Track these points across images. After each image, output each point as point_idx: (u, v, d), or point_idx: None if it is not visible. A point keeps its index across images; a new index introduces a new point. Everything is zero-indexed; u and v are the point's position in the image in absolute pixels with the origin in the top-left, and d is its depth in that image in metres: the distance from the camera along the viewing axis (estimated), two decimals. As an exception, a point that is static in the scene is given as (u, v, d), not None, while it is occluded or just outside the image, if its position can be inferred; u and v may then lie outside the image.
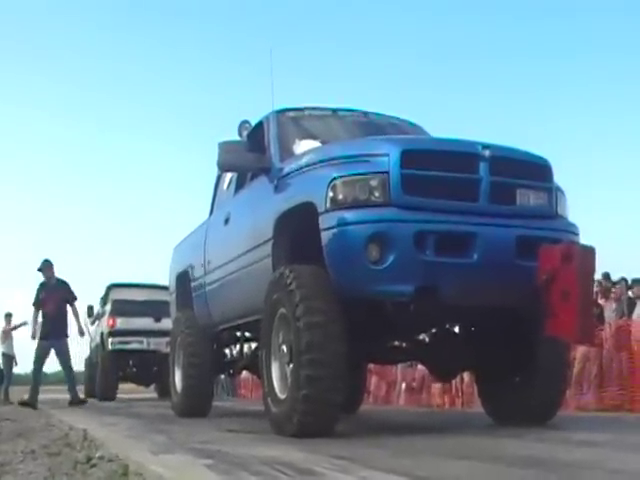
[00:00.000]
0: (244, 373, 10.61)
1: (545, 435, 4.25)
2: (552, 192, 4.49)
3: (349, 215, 4.05)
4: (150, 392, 18.80)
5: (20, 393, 16.19)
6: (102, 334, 15.15)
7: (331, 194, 4.12)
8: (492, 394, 5.16)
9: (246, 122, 5.91)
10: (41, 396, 10.88)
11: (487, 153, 4.22)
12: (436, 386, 10.79)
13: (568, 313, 3.96)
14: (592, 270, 4.09)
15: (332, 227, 4.10)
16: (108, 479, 2.81)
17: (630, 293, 9.86)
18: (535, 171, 4.47)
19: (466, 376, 9.86)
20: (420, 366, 10.77)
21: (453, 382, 10.31)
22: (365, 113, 5.82)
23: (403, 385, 11.50)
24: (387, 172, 4.07)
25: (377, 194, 4.06)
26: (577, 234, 4.53)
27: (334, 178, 4.14)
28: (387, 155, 4.12)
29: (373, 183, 4.07)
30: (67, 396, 11.03)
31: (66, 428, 5.56)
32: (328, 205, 4.13)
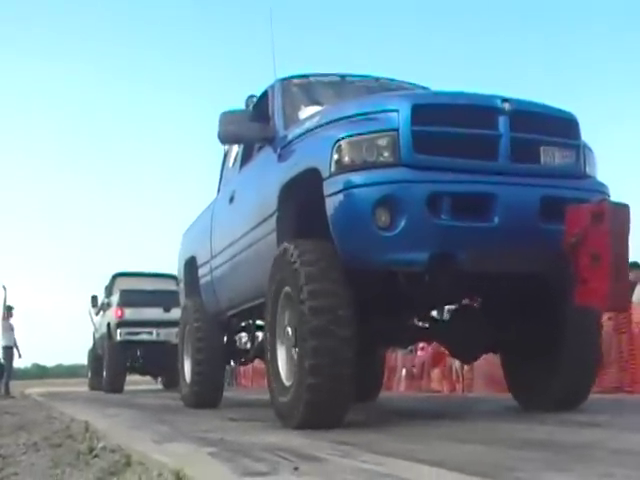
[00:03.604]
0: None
1: (547, 417, 4.15)
2: (579, 150, 4.10)
3: (355, 177, 3.69)
4: (157, 384, 18.66)
5: (19, 387, 16.05)
6: (109, 325, 14.77)
7: (336, 156, 3.77)
8: (519, 377, 4.78)
9: (253, 96, 5.60)
10: (41, 389, 10.84)
11: (507, 107, 3.84)
12: (435, 372, 10.73)
13: (599, 279, 3.57)
14: (626, 230, 3.67)
15: (337, 192, 3.74)
16: (111, 469, 2.79)
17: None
18: (560, 127, 4.08)
19: None
20: (420, 352, 10.87)
21: (453, 368, 10.29)
22: (376, 78, 5.45)
23: (403, 371, 11.36)
24: (396, 129, 3.70)
25: (386, 154, 3.69)
26: (608, 195, 4.13)
27: (339, 139, 3.78)
28: (396, 111, 3.75)
29: (381, 142, 3.71)
30: (65, 389, 10.89)
31: (67, 420, 5.54)
32: (333, 169, 3.77)
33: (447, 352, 10.15)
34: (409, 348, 10.63)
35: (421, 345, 10.48)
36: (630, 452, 2.64)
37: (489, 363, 7.44)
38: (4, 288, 14.79)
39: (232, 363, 8.10)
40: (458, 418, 4.80)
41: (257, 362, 8.58)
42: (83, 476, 2.76)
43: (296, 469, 2.38)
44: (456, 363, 10.26)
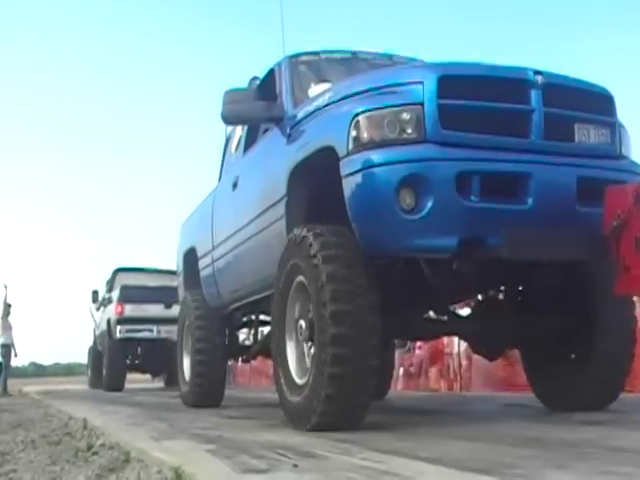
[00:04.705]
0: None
1: (547, 415, 4.19)
2: (615, 128, 3.80)
3: (376, 156, 3.37)
4: (159, 382, 18.40)
5: (17, 385, 15.80)
6: (109, 321, 14.49)
7: (354, 133, 3.44)
8: (544, 374, 4.45)
9: (256, 78, 5.32)
10: (39, 387, 10.77)
11: (540, 80, 3.54)
12: (433, 370, 10.59)
13: None
14: None
15: (355, 172, 3.42)
16: (110, 466, 2.77)
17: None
18: (596, 103, 3.78)
19: (464, 360, 9.76)
20: (418, 350, 10.64)
21: (451, 366, 10.16)
22: (390, 55, 5.12)
23: (401, 370, 11.13)
24: (421, 103, 3.38)
25: (410, 130, 3.37)
26: None
27: (357, 114, 3.46)
28: (421, 83, 3.43)
29: (405, 117, 3.38)
30: (63, 387, 10.71)
31: (65, 418, 5.49)
32: (351, 147, 3.45)
33: (445, 350, 10.28)
34: (407, 346, 10.39)
35: (419, 343, 10.27)
36: (629, 450, 2.60)
37: (487, 362, 7.24)
38: (5, 287, 14.47)
39: (232, 360, 7.79)
40: (457, 416, 4.79)
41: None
42: (82, 473, 2.70)
43: (295, 466, 2.35)
44: (454, 362, 10.14)
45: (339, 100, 3.78)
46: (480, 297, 4.66)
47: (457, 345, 9.71)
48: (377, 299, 3.44)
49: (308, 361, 3.67)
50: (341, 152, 3.51)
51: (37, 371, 67.17)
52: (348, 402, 3.40)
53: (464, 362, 9.86)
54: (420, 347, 10.62)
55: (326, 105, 3.89)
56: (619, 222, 3.33)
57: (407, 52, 5.28)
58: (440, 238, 3.31)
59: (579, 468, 2.18)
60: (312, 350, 3.60)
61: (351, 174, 3.45)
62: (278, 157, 4.31)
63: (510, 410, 5.01)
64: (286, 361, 3.84)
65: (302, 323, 3.75)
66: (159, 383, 18.16)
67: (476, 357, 8.84)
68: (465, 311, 5.29)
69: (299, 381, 3.72)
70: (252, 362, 10.11)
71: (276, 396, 3.94)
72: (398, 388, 10.99)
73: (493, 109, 3.49)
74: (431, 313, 4.93)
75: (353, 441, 3.01)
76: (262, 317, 6.01)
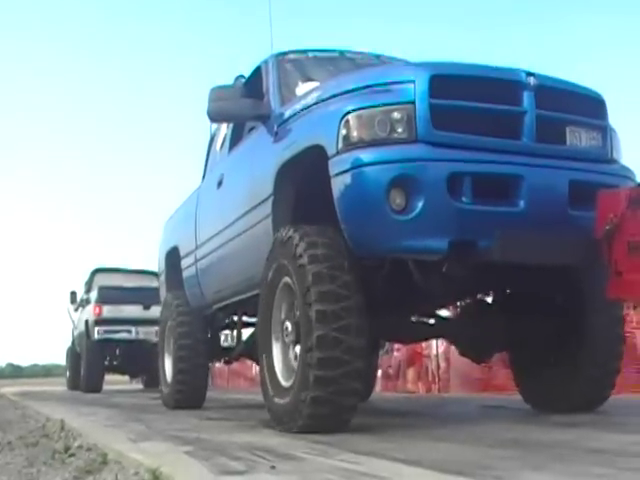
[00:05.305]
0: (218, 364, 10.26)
1: (525, 417, 4.26)
2: (606, 132, 3.78)
3: (366, 155, 3.31)
4: (137, 383, 18.27)
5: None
6: (87, 322, 14.27)
7: (344, 132, 3.38)
8: (532, 377, 4.43)
9: (242, 76, 5.23)
10: (16, 389, 10.66)
11: (532, 81, 3.50)
12: (410, 372, 10.52)
13: (637, 269, 3.22)
14: None
15: (345, 171, 3.35)
16: (87, 468, 2.75)
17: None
18: (587, 106, 3.75)
19: (442, 362, 9.74)
20: (396, 353, 10.59)
21: (429, 368, 10.11)
22: (378, 55, 5.07)
23: (379, 372, 10.89)
24: (413, 102, 3.32)
25: (401, 129, 3.31)
26: (635, 181, 3.81)
27: (347, 112, 3.39)
28: (412, 82, 3.37)
29: (396, 116, 3.32)
30: (40, 388, 10.58)
31: (43, 419, 5.45)
32: (340, 146, 3.38)
33: (423, 352, 10.28)
34: (385, 348, 10.34)
35: (397, 345, 10.23)
36: (607, 451, 2.61)
37: (465, 364, 7.37)
38: None
39: (213, 362, 7.68)
40: (435, 418, 4.79)
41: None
42: (59, 475, 2.68)
43: (273, 467, 2.35)
44: (432, 363, 10.10)
45: (328, 98, 3.71)
46: (469, 300, 4.62)
47: (435, 347, 9.70)
48: (364, 300, 3.38)
49: (294, 363, 3.61)
50: (330, 151, 3.44)
51: (14, 372, 66.30)
52: (334, 405, 3.34)
53: (442, 364, 9.84)
54: (398, 349, 10.57)
55: (315, 103, 3.82)
56: (611, 226, 3.29)
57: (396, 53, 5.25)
58: (430, 239, 3.26)
59: (556, 469, 2.20)
60: (298, 351, 3.54)
61: (340, 173, 3.38)
62: (265, 155, 4.23)
63: (488, 412, 5.01)
64: (272, 363, 3.78)
65: (288, 325, 3.69)
66: (138, 385, 17.98)
67: (454, 359, 8.90)
68: (444, 313, 5.27)
69: (285, 383, 3.65)
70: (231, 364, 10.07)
71: (254, 397, 3.89)
72: (377, 390, 11.00)
73: (485, 110, 3.45)
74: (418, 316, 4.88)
75: (331, 443, 3.00)
76: (245, 318, 5.93)
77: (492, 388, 7.93)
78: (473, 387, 8.91)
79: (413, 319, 4.70)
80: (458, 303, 4.82)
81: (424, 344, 9.71)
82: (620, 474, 2.11)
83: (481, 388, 8.57)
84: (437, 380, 10.05)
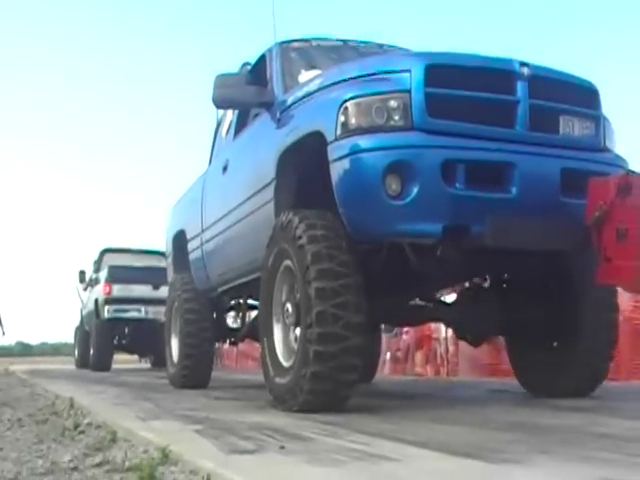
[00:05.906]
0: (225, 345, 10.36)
1: (531, 401, 4.25)
2: (600, 121, 3.86)
3: (363, 141, 3.41)
4: (146, 363, 18.41)
5: (3, 364, 15.76)
6: (96, 301, 14.35)
7: (342, 119, 3.48)
8: (528, 362, 4.53)
9: (247, 64, 5.33)
10: (25, 367, 10.76)
11: (526, 71, 3.58)
12: (419, 355, 10.64)
13: (625, 256, 3.32)
14: None
15: (343, 157, 3.46)
16: (97, 445, 2.77)
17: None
18: (581, 96, 3.83)
19: (451, 345, 9.81)
20: (405, 336, 10.68)
21: (438, 351, 10.20)
22: (380, 45, 5.16)
23: (388, 354, 11.17)
24: (409, 91, 3.43)
25: (397, 117, 3.41)
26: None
27: (345, 100, 3.49)
28: (409, 71, 3.47)
29: (392, 104, 3.42)
30: (50, 367, 10.70)
31: (52, 397, 5.46)
32: (339, 132, 3.49)
33: (431, 336, 10.36)
34: (394, 331, 10.45)
35: (405, 329, 10.34)
36: (612, 436, 2.64)
37: (474, 347, 7.33)
38: None
39: (220, 343, 7.82)
40: (443, 401, 4.79)
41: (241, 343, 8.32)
42: (69, 452, 2.68)
43: (282, 447, 2.37)
44: (441, 347, 10.20)
45: (328, 86, 3.82)
46: (466, 285, 4.72)
47: (444, 331, 9.75)
48: (361, 279, 3.49)
49: (294, 344, 3.72)
50: (329, 137, 3.55)
51: (24, 350, 66.92)
52: (334, 380, 3.45)
53: (451, 347, 9.91)
54: (407, 332, 10.67)
55: (316, 91, 3.93)
56: (601, 213, 3.37)
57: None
58: (425, 224, 3.36)
59: (562, 453, 2.22)
60: (299, 333, 3.65)
61: (339, 159, 3.49)
62: (268, 141, 4.34)
63: (496, 395, 5.04)
64: (273, 343, 3.89)
65: (289, 306, 3.81)
66: (146, 364, 18.14)
67: (463, 343, 8.96)
68: (452, 297, 5.36)
69: (285, 363, 3.77)
70: (239, 345, 10.21)
71: (261, 378, 3.98)
72: (385, 372, 11.08)
73: (479, 99, 3.54)
74: (418, 299, 4.99)
75: (340, 423, 3.04)
76: (250, 301, 6.06)
77: (500, 372, 7.97)
78: (482, 371, 8.99)
79: (412, 303, 4.82)
80: (457, 288, 4.93)
81: (433, 327, 9.82)
82: (626, 459, 2.13)
83: (489, 372, 8.65)
84: (445, 363, 10.17)
